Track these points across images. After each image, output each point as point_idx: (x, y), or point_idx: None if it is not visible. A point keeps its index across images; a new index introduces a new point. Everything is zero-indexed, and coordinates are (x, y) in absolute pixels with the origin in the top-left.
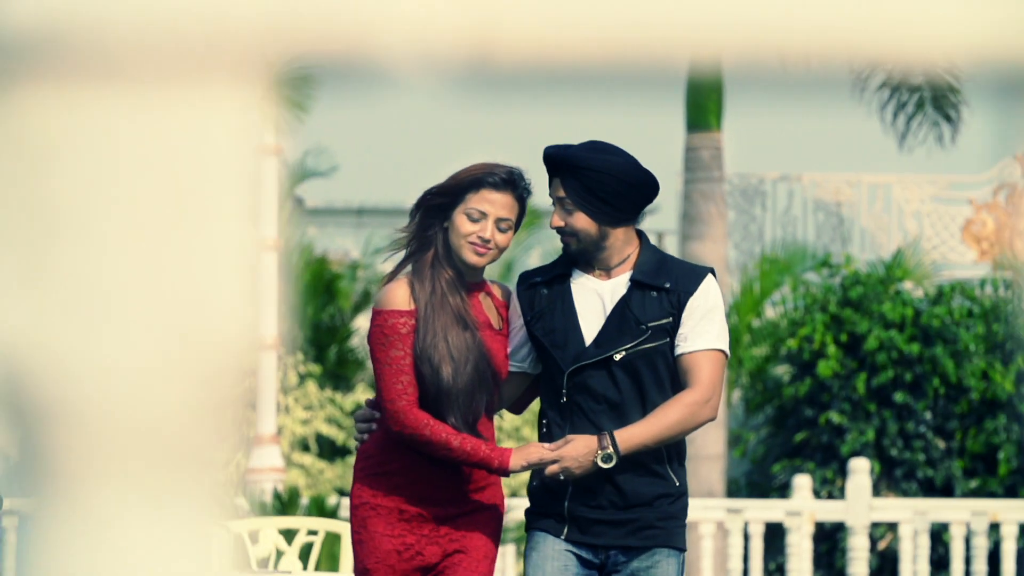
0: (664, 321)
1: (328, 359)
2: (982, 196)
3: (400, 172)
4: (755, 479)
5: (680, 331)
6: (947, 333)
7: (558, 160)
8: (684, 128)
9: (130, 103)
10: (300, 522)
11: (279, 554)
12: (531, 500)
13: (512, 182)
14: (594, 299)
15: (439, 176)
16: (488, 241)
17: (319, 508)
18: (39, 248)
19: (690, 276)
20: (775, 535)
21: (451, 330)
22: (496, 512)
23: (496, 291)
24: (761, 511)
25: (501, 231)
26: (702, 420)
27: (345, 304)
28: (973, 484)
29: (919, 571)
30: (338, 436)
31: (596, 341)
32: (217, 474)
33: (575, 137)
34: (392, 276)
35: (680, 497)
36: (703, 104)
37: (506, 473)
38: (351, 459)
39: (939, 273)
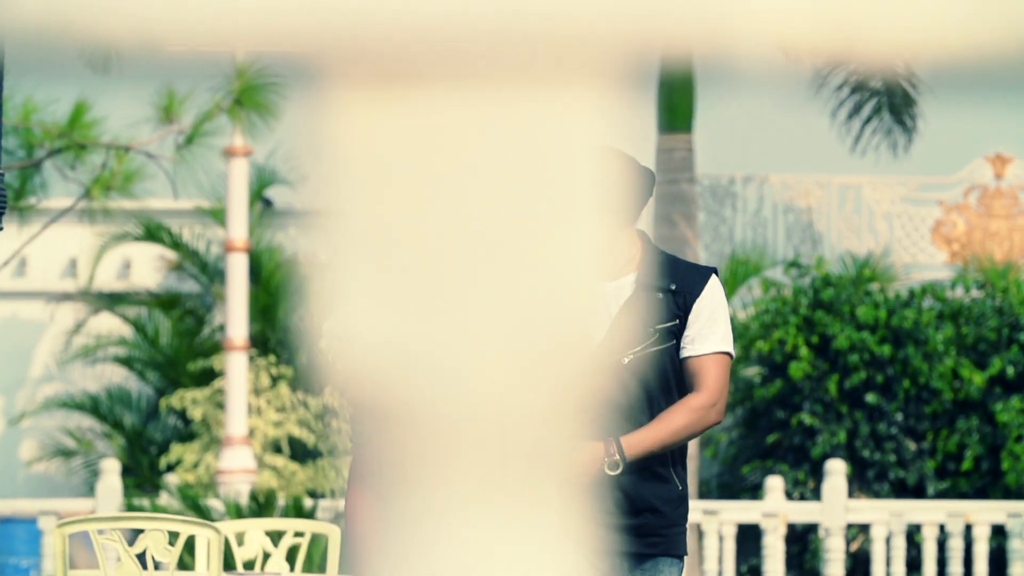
0: (671, 324)
1: (300, 362)
2: (952, 197)
3: None
4: (726, 480)
5: (686, 333)
6: (918, 334)
7: None
8: (656, 129)
9: (489, 104)
10: (287, 524)
11: (266, 556)
12: None
13: None
14: (598, 301)
15: None
16: None
17: (297, 510)
18: (399, 248)
19: (695, 277)
20: (745, 537)
21: None
22: None
23: None
24: (737, 513)
25: None
26: (709, 424)
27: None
28: (944, 485)
29: (895, 573)
30: (310, 439)
31: (603, 344)
32: (570, 480)
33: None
34: None
35: (683, 501)
36: (675, 105)
37: None
38: (323, 462)
39: (909, 275)
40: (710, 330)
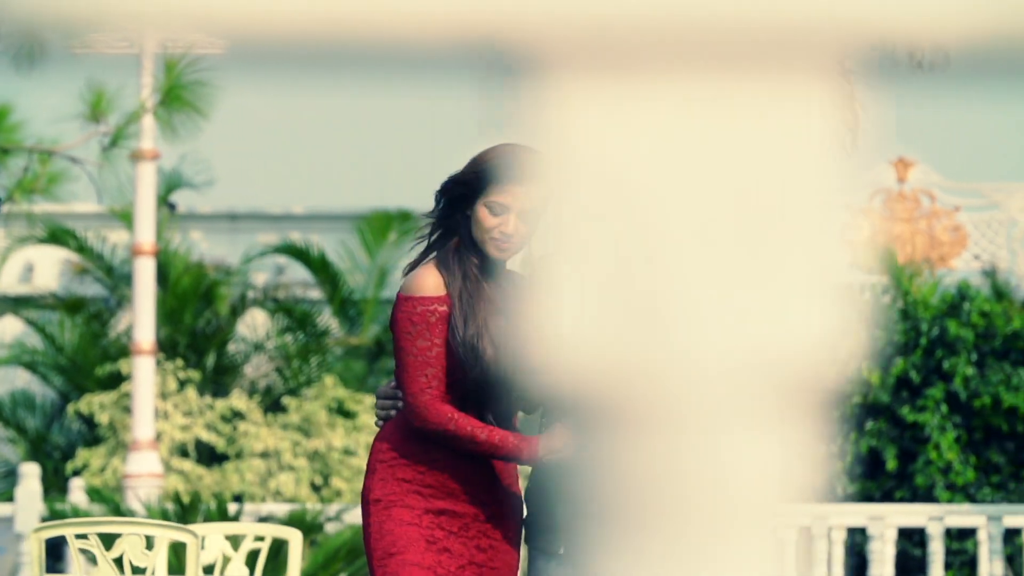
0: None
1: (206, 365)
2: (857, 201)
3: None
4: None
5: None
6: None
7: None
8: None
9: (729, 96)
10: (247, 528)
11: (226, 560)
12: (526, 504)
13: (535, 169)
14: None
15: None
16: (511, 236)
17: (222, 514)
18: (625, 248)
19: None
20: None
21: (490, 317)
22: (519, 511)
23: (518, 280)
24: None
25: (526, 222)
26: None
27: (223, 309)
28: (853, 488)
29: (815, 575)
30: (218, 443)
31: None
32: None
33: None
34: (416, 264)
35: None
36: None
37: (535, 463)
38: (229, 465)
39: None
40: None
